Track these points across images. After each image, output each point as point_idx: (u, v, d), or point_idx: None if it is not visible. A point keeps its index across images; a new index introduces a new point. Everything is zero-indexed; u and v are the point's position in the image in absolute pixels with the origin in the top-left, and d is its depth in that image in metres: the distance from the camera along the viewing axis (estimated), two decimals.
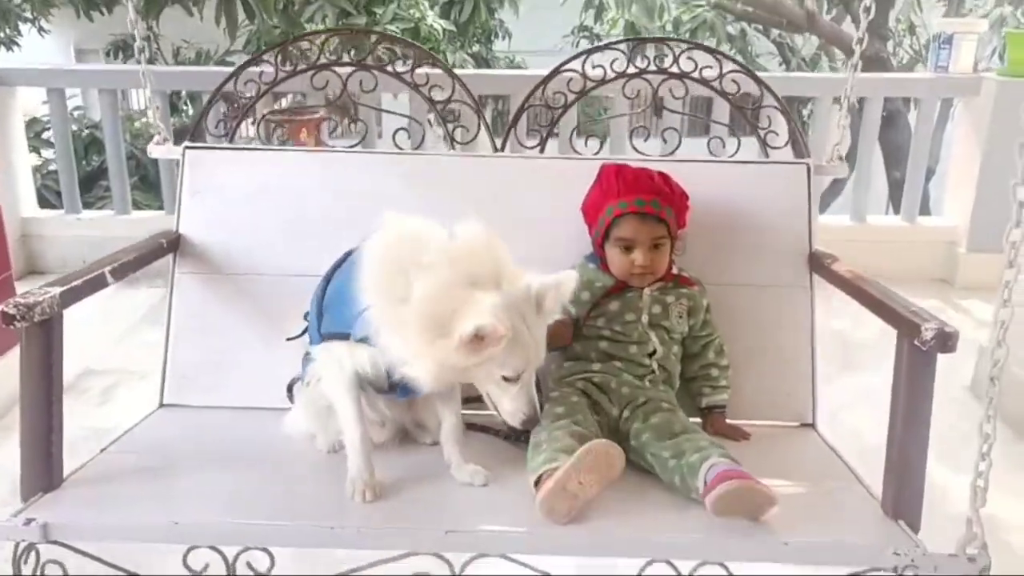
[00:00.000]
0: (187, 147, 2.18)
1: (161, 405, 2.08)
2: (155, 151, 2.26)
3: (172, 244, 2.11)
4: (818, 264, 2.10)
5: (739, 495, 1.49)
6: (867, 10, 2.01)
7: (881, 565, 1.47)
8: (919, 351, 1.53)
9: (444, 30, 6.48)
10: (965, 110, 4.76)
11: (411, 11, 6.19)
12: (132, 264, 1.90)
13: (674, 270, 2.00)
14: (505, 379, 1.53)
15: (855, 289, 1.85)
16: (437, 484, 1.69)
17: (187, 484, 1.71)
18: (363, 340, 1.57)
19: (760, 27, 9.85)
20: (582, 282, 1.92)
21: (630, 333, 1.92)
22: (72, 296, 1.65)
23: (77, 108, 7.21)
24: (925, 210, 5.98)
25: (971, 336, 2.41)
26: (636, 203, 1.90)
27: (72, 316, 1.67)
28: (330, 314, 1.68)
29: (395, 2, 6.21)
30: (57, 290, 1.61)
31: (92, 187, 6.35)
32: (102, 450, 1.83)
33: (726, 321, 2.06)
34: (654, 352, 1.92)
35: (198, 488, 1.67)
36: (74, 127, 6.33)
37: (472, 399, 1.85)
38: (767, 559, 1.50)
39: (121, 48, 8.38)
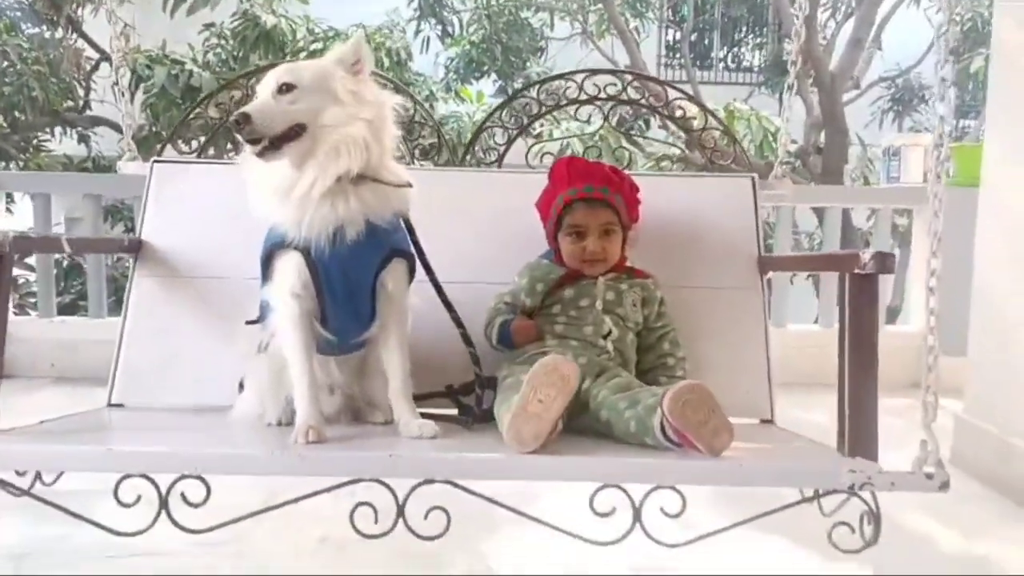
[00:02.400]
0: (155, 161, 2.26)
1: (108, 405, 2.02)
2: (126, 168, 2.34)
3: (133, 246, 2.14)
4: (766, 264, 2.15)
5: (699, 396, 1.48)
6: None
7: (837, 485, 1.43)
8: (860, 278, 1.56)
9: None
10: (919, 219, 4.98)
11: None
12: (92, 244, 1.93)
13: (628, 263, 2.04)
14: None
15: (801, 261, 1.90)
16: (385, 437, 1.65)
17: (125, 436, 1.65)
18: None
19: None
20: (535, 276, 1.97)
21: (585, 317, 1.94)
22: (25, 244, 1.67)
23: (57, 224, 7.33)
24: (896, 318, 6.06)
25: (946, 421, 2.43)
26: (585, 189, 1.98)
27: None
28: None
29: None
30: (12, 233, 1.62)
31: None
32: (40, 422, 1.77)
33: (682, 323, 2.07)
34: (609, 333, 1.92)
35: (136, 435, 1.62)
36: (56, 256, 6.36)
37: (430, 395, 1.85)
38: (721, 481, 1.46)
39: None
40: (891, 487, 1.41)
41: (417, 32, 9.98)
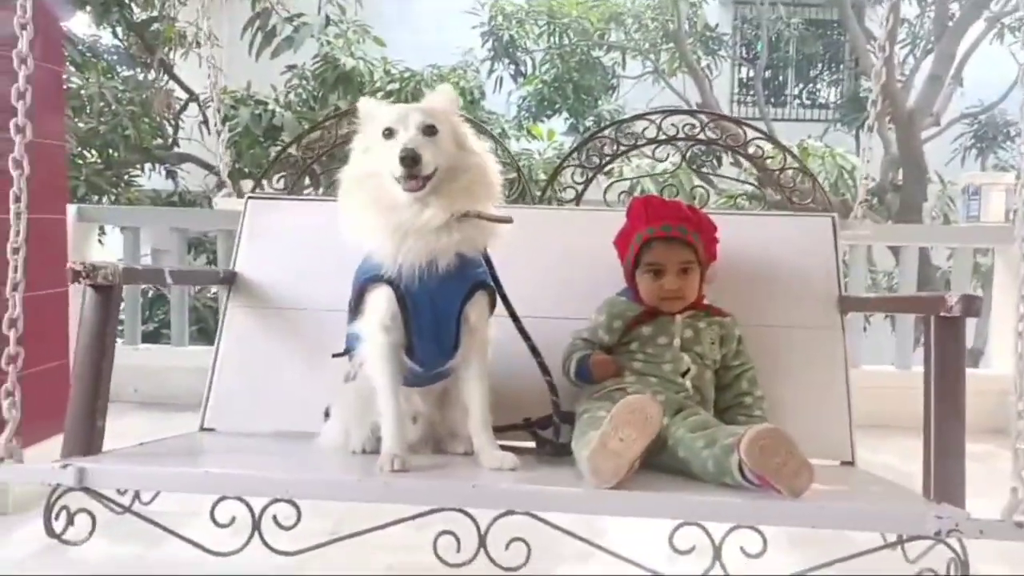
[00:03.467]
0: (249, 197, 2.38)
1: (201, 428, 2.11)
2: (221, 203, 2.45)
3: (228, 278, 2.25)
4: (847, 304, 2.14)
5: (776, 440, 1.47)
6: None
7: (923, 531, 1.41)
8: (946, 321, 1.55)
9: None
10: (1000, 259, 4.83)
11: None
12: (190, 276, 2.03)
13: (706, 300, 2.06)
14: (385, 137, 1.70)
15: (884, 302, 1.89)
16: (467, 467, 1.69)
17: (218, 459, 1.73)
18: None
19: None
20: (613, 312, 2.01)
21: (663, 354, 1.95)
22: (132, 276, 1.77)
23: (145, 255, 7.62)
24: (978, 360, 5.85)
25: None
26: (663, 228, 2.00)
27: None
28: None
29: None
30: (121, 264, 1.73)
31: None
32: (138, 444, 1.86)
33: (760, 362, 2.07)
34: (688, 371, 1.94)
35: (229, 459, 1.70)
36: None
37: (508, 427, 1.89)
38: (803, 523, 1.45)
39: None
40: (979, 535, 1.38)
41: (491, 72, 10.15)
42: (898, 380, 4.49)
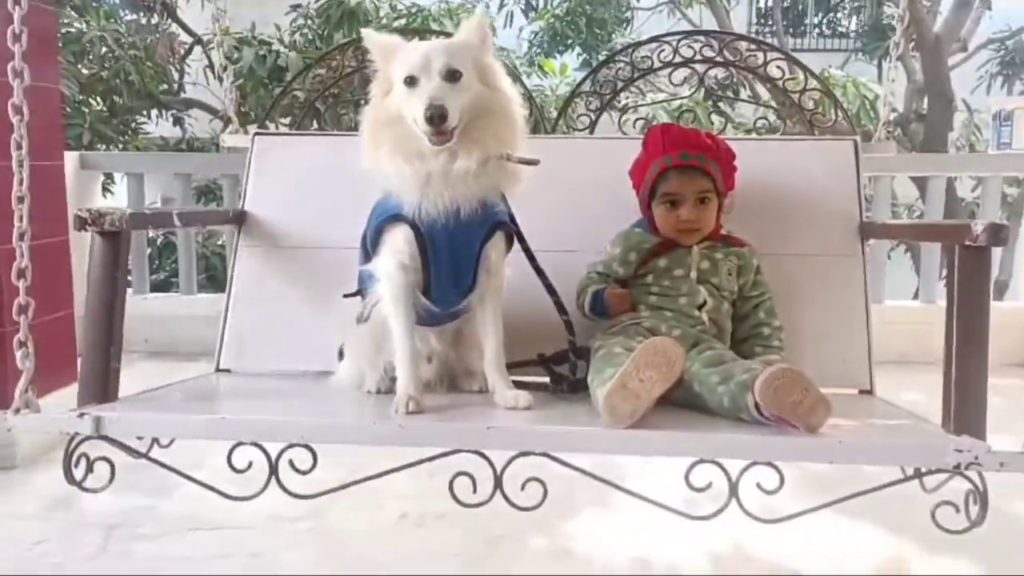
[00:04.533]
0: (256, 134, 2.33)
1: (217, 370, 2.11)
2: (228, 140, 2.42)
3: (237, 217, 2.22)
4: (869, 231, 2.09)
5: (791, 379, 1.44)
6: None
7: (942, 464, 1.39)
8: (971, 251, 1.50)
9: None
10: None
11: None
12: (199, 216, 2.01)
13: (723, 231, 2.01)
14: (407, 85, 1.62)
15: (905, 229, 1.83)
16: (481, 407, 1.67)
17: (234, 404, 1.72)
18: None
19: None
20: (629, 244, 1.96)
21: (679, 287, 1.92)
22: (140, 220, 1.75)
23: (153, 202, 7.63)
24: (1003, 293, 5.77)
25: None
26: (681, 156, 1.95)
27: None
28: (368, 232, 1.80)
29: None
30: (128, 209, 1.70)
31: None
32: (154, 388, 1.86)
33: (779, 290, 2.02)
34: (704, 304, 1.90)
35: (245, 403, 1.69)
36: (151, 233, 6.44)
37: (523, 363, 1.87)
38: (820, 458, 1.43)
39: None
40: (1000, 467, 1.36)
41: (501, 6, 9.94)
42: (922, 315, 4.44)
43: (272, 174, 2.28)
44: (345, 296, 1.91)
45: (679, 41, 2.35)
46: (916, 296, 4.74)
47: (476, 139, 1.64)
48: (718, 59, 2.35)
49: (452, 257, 1.71)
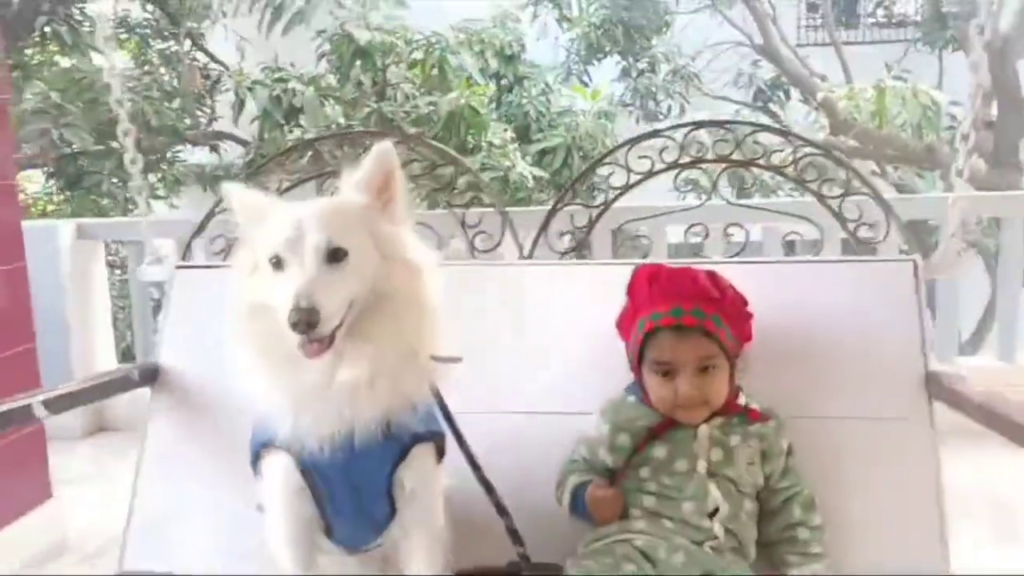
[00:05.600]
0: (179, 267, 1.94)
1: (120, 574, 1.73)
2: (147, 273, 2.03)
3: (147, 375, 1.83)
4: (938, 387, 1.60)
5: None
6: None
7: None
8: None
9: (534, 177, 6.27)
10: None
11: (501, 160, 6.03)
12: (78, 396, 1.60)
13: (740, 400, 1.54)
14: (273, 267, 1.22)
15: (992, 415, 1.35)
16: None
17: None
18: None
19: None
20: (619, 422, 1.52)
21: (683, 487, 1.46)
22: None
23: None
24: None
25: None
26: (672, 313, 1.49)
27: None
28: None
29: (483, 151, 6.08)
30: None
31: None
32: None
33: (818, 467, 1.57)
34: (716, 511, 1.45)
35: None
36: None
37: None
38: None
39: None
40: None
41: (534, 17, 9.48)
42: (1000, 375, 3.86)
43: (197, 318, 1.88)
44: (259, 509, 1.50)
45: (688, 134, 1.88)
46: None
47: (368, 334, 1.22)
48: (734, 157, 1.87)
49: (352, 490, 1.29)
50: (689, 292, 1.50)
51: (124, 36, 8.03)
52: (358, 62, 5.72)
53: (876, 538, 1.58)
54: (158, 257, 2.06)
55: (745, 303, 1.54)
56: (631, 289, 1.57)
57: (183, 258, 2.02)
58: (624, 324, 1.58)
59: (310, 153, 2.18)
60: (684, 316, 1.48)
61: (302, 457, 1.25)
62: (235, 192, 1.31)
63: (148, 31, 8.72)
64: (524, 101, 7.18)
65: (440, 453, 1.37)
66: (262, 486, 1.35)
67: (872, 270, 1.75)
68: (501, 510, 1.41)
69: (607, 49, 9.56)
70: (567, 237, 1.89)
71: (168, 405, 1.83)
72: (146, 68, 7.44)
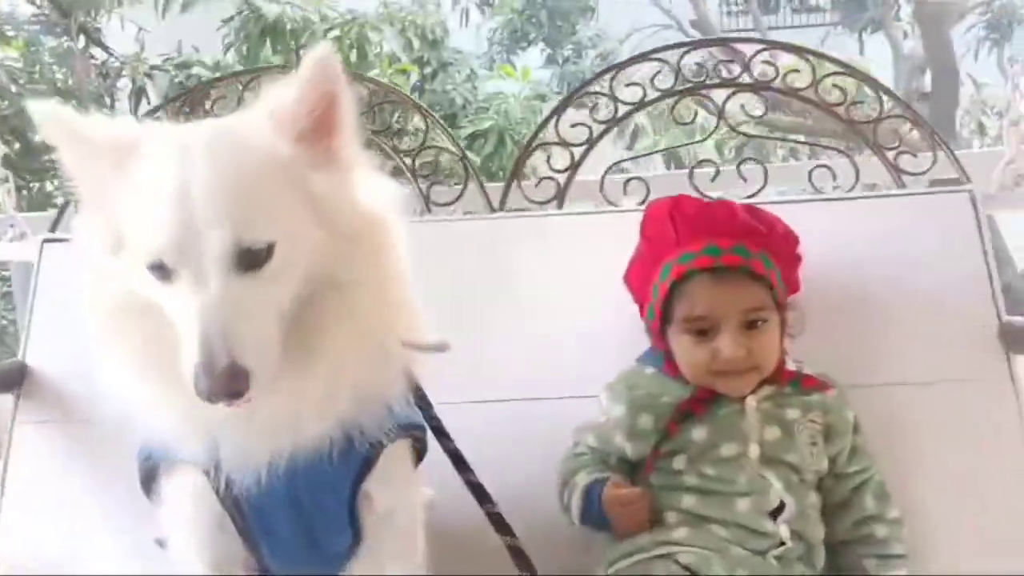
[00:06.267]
0: (46, 240, 1.50)
1: None
2: (5, 251, 1.58)
3: (11, 377, 1.40)
4: (1016, 338, 1.29)
5: None
6: None
7: None
8: None
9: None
10: None
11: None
12: None
13: (790, 365, 1.20)
14: (156, 276, 0.80)
15: None
16: None
17: None
18: None
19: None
20: (637, 401, 1.17)
21: (734, 478, 1.12)
22: None
23: None
24: None
25: None
26: (707, 252, 1.14)
27: None
28: None
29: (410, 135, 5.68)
30: None
31: None
32: None
33: (878, 445, 1.24)
34: (781, 508, 1.10)
35: None
36: None
37: None
38: None
39: None
40: None
41: (455, 4, 9.15)
42: None
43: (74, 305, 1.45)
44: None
45: (683, 56, 1.54)
46: None
47: (314, 342, 0.84)
48: (743, 80, 1.54)
49: (298, 518, 0.91)
50: (727, 226, 1.16)
51: (11, 33, 7.41)
52: (267, 40, 5.25)
53: (956, 530, 1.26)
54: (21, 231, 1.61)
55: (796, 241, 1.21)
56: (647, 229, 1.21)
57: (53, 229, 1.57)
58: (637, 276, 1.23)
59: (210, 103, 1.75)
60: (724, 255, 1.13)
61: (222, 476, 0.85)
62: (54, 117, 0.84)
63: (37, 27, 8.11)
64: (450, 88, 6.81)
65: (419, 453, 0.99)
66: (163, 513, 0.94)
67: (924, 204, 1.43)
68: (500, 526, 1.03)
69: (531, 36, 9.32)
70: (546, 184, 1.52)
71: (38, 416, 1.40)
72: (37, 67, 6.84)
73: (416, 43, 5.97)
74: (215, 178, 0.78)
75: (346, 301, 0.84)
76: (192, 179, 0.77)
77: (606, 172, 1.52)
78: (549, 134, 1.58)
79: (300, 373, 0.81)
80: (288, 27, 5.18)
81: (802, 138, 4.91)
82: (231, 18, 6.11)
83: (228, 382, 0.73)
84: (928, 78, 6.81)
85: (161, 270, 0.78)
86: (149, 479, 0.94)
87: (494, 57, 9.40)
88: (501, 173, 7.92)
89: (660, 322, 1.18)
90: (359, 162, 0.88)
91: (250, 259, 0.77)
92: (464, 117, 6.68)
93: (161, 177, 0.78)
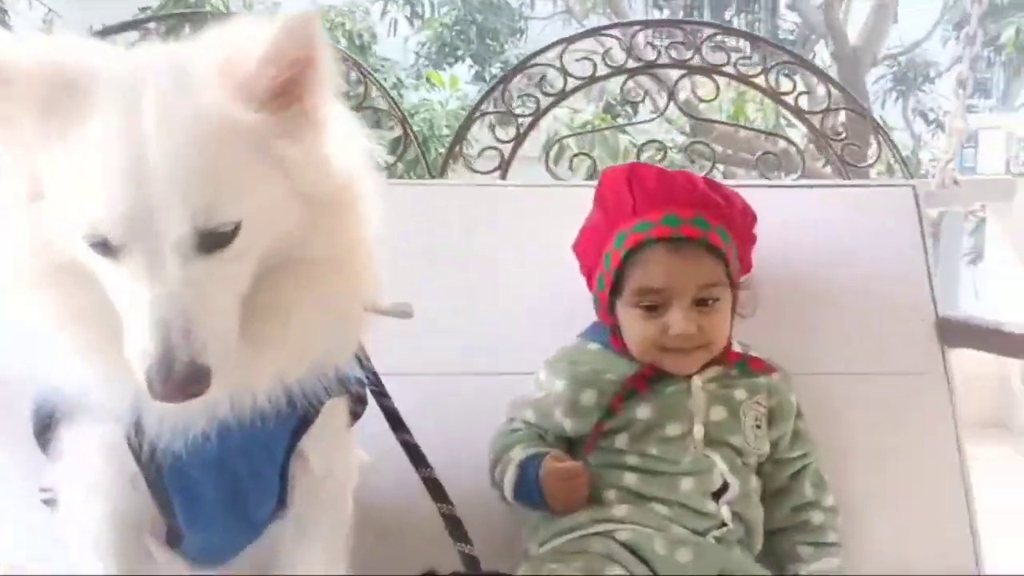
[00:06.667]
0: None
1: None
2: None
3: None
4: (951, 332, 1.30)
5: None
6: None
7: None
8: None
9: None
10: (996, 218, 4.16)
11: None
12: None
13: (736, 347, 1.18)
14: (96, 250, 0.68)
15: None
16: None
17: None
18: None
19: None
20: (582, 377, 1.12)
21: (678, 457, 1.08)
22: None
23: None
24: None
25: None
26: (666, 222, 1.10)
27: None
28: None
29: None
30: None
31: None
32: None
33: (815, 434, 1.22)
34: (724, 488, 1.06)
35: None
36: None
37: None
38: None
39: None
40: None
41: (383, 14, 9.08)
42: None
43: None
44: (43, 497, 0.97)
45: (635, 34, 1.53)
46: None
47: (276, 321, 0.75)
48: (693, 62, 1.54)
49: (225, 479, 0.82)
50: (687, 197, 1.12)
51: None
52: (187, 29, 5.06)
53: (887, 520, 1.25)
54: None
55: (754, 218, 1.18)
56: (602, 196, 1.17)
57: None
58: (587, 245, 1.18)
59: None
60: (683, 225, 1.09)
61: (138, 433, 0.75)
62: None
63: None
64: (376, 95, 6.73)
65: (355, 412, 0.91)
66: (59, 468, 0.83)
67: (868, 197, 1.44)
68: (436, 492, 0.96)
69: (459, 52, 9.32)
70: (489, 154, 1.46)
71: None
72: None
73: (344, 42, 5.88)
74: (173, 145, 0.67)
75: (313, 270, 0.75)
76: (146, 145, 0.66)
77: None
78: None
79: (256, 351, 0.73)
80: (208, 15, 5.01)
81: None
82: (147, 8, 5.88)
83: (187, 384, 0.65)
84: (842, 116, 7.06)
85: (104, 247, 0.67)
86: (45, 429, 0.82)
87: (420, 70, 9.36)
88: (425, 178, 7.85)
89: (609, 294, 1.14)
90: (331, 115, 0.79)
91: (213, 241, 0.68)
92: (387, 126, 6.60)
93: (106, 138, 0.66)
